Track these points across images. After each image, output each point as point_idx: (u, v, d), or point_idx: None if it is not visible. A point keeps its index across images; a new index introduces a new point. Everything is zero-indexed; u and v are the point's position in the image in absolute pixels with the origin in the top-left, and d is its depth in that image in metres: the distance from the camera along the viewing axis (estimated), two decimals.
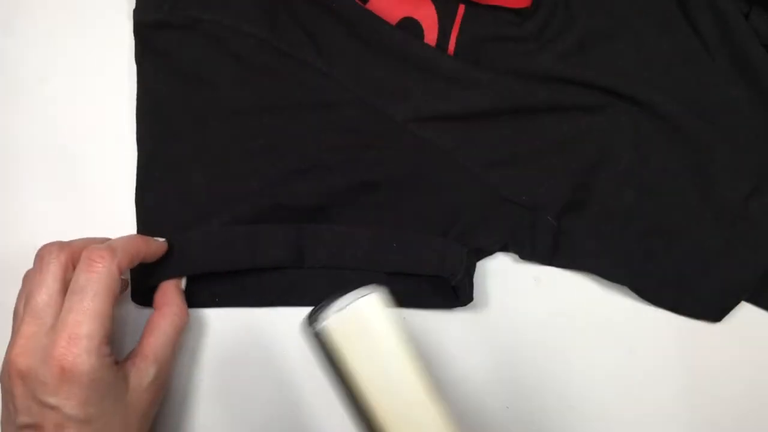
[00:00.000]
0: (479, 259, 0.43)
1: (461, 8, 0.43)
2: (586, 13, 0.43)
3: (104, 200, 0.43)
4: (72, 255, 0.35)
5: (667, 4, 0.44)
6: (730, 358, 0.43)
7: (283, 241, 0.40)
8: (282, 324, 0.42)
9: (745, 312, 0.43)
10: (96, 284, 0.34)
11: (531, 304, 0.43)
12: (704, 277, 0.42)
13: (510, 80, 0.42)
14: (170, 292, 0.39)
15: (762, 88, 0.42)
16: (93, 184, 0.44)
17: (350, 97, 0.42)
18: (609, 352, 0.43)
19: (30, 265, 0.43)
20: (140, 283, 0.40)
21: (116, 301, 0.35)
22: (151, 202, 0.42)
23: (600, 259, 0.42)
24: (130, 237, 0.38)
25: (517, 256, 0.43)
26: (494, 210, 0.42)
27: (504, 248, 0.43)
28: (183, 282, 0.40)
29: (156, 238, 0.39)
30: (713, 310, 0.42)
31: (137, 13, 0.42)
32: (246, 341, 0.42)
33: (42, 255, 0.36)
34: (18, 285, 0.42)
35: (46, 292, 0.34)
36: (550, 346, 0.43)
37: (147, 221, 0.42)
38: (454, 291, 0.41)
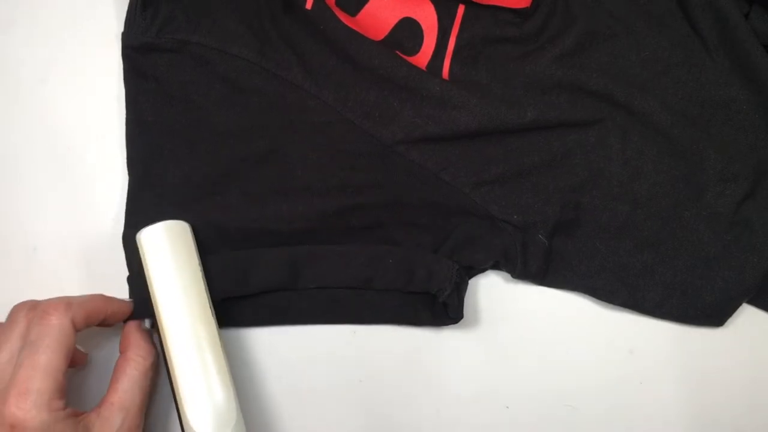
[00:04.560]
0: (471, 276, 0.43)
1: (461, 8, 0.43)
2: (586, 13, 0.43)
3: (104, 200, 0.43)
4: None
5: (667, 4, 0.44)
6: (730, 358, 0.43)
7: (277, 265, 0.40)
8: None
9: (745, 313, 0.43)
10: (47, 338, 0.33)
11: (529, 309, 0.43)
12: (706, 285, 0.42)
13: (497, 102, 0.42)
14: (132, 334, 0.38)
15: (761, 88, 0.42)
16: (92, 184, 0.44)
17: (338, 119, 0.42)
18: (609, 352, 0.43)
19: (29, 265, 0.43)
20: (142, 314, 0.40)
21: (69, 355, 0.34)
22: (140, 225, 0.41)
23: (594, 280, 0.42)
24: (91, 295, 0.37)
25: (508, 276, 0.43)
26: (485, 229, 0.42)
27: (496, 266, 0.43)
28: (146, 322, 0.39)
29: (121, 299, 0.39)
30: (716, 317, 0.42)
31: (125, 37, 0.42)
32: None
33: (12, 313, 0.36)
34: (16, 285, 0.43)
35: (8, 351, 0.34)
36: (550, 346, 0.43)
37: (134, 244, 0.41)
38: (444, 308, 0.41)
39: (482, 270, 0.43)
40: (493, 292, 0.43)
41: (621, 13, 0.43)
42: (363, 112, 0.42)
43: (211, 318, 0.38)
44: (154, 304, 0.38)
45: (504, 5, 0.43)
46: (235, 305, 0.41)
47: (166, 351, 0.37)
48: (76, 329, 0.35)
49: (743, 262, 0.42)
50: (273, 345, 0.42)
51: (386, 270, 0.41)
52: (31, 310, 0.35)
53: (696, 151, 0.42)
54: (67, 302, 0.35)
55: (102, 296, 0.38)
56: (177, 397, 0.36)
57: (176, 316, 0.37)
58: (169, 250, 0.38)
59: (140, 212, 0.41)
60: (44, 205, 0.43)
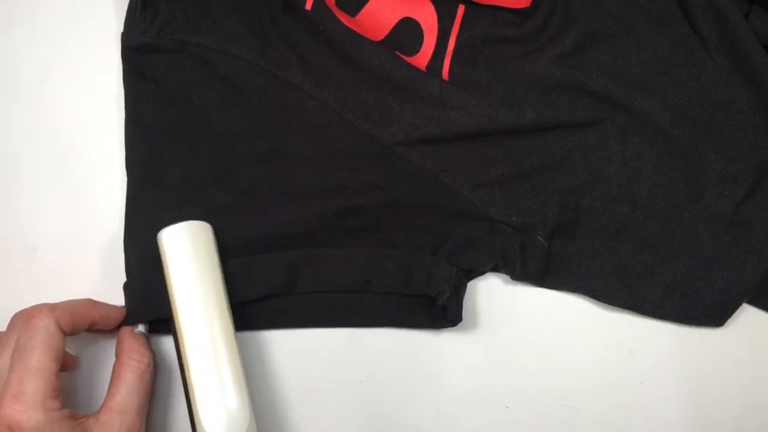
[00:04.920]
0: (470, 279, 0.43)
1: (461, 8, 0.43)
2: (586, 13, 0.43)
3: (104, 200, 0.43)
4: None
5: (667, 4, 0.44)
6: (730, 358, 0.43)
7: (276, 268, 0.40)
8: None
9: (745, 313, 0.43)
10: (33, 340, 0.34)
11: (528, 309, 0.43)
12: (706, 286, 0.42)
13: (497, 102, 0.42)
14: (126, 338, 0.39)
15: (761, 88, 0.42)
16: (92, 184, 0.44)
17: (338, 120, 0.42)
18: (609, 352, 0.43)
19: (29, 265, 0.43)
20: (138, 318, 0.40)
21: (59, 356, 0.35)
22: (139, 225, 0.41)
23: (593, 281, 0.42)
24: (79, 299, 0.38)
25: (508, 277, 0.43)
26: (484, 231, 0.42)
27: (495, 269, 0.43)
28: (140, 326, 0.40)
29: (111, 304, 0.39)
30: (717, 317, 0.42)
31: (125, 37, 0.42)
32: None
33: (12, 321, 0.36)
34: (16, 285, 0.43)
35: (6, 355, 0.35)
36: (550, 346, 0.43)
37: (135, 246, 0.41)
38: (443, 310, 0.41)
39: (481, 273, 0.43)
40: (493, 292, 0.43)
41: (621, 13, 0.43)
42: (362, 113, 0.42)
43: (229, 320, 0.38)
44: (171, 304, 0.37)
45: (504, 5, 0.43)
46: (234, 309, 0.41)
47: (181, 351, 0.37)
48: (63, 331, 0.35)
49: (743, 263, 0.42)
50: (273, 345, 0.42)
51: (385, 272, 0.41)
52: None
53: (695, 151, 0.42)
54: (51, 305, 0.36)
55: (89, 300, 0.38)
56: (190, 399, 0.36)
57: (194, 316, 0.37)
58: (190, 250, 0.38)
59: (140, 214, 0.41)
60: (44, 205, 0.43)
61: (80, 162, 0.44)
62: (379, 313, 0.42)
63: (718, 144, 0.42)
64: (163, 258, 0.38)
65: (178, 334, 0.37)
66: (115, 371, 0.37)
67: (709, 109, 0.43)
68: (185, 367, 0.37)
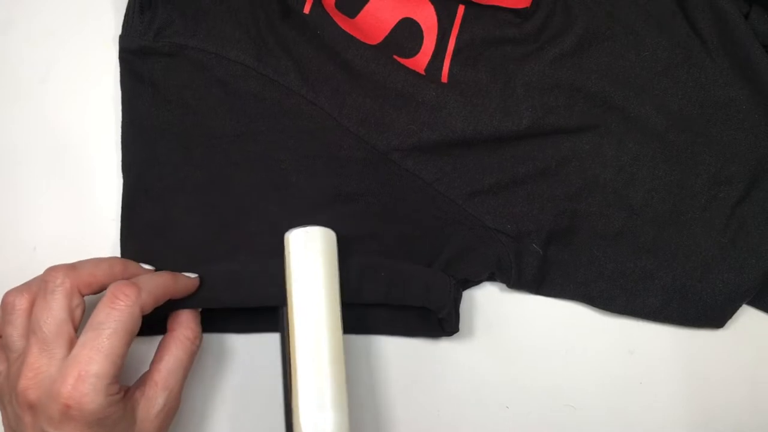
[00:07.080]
0: (465, 288, 0.43)
1: (461, 9, 0.43)
2: (586, 13, 0.43)
3: (104, 200, 0.43)
4: (78, 281, 0.34)
5: (667, 4, 0.44)
6: (729, 358, 0.43)
7: (267, 279, 0.39)
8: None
9: (744, 313, 0.43)
10: (115, 323, 0.33)
11: (529, 309, 0.43)
12: (706, 288, 0.42)
13: (493, 108, 0.42)
14: (184, 314, 0.38)
15: (761, 88, 0.42)
16: (92, 184, 0.44)
17: (334, 126, 0.42)
18: (609, 352, 0.43)
19: (29, 265, 0.43)
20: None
21: (132, 340, 0.34)
22: (136, 229, 0.41)
23: (591, 287, 0.42)
24: (159, 275, 0.36)
25: (504, 285, 0.43)
26: (479, 239, 0.42)
27: (491, 277, 0.43)
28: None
29: (187, 274, 0.38)
30: (717, 319, 0.42)
31: (122, 40, 0.42)
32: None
33: (47, 280, 0.34)
34: (16, 285, 0.42)
35: (54, 322, 0.33)
36: (550, 346, 0.43)
37: (130, 247, 0.41)
38: (439, 321, 0.41)
39: (477, 282, 0.43)
40: (493, 292, 0.43)
41: (621, 13, 0.43)
42: (358, 118, 0.42)
43: (340, 328, 0.38)
44: (288, 305, 0.37)
45: (504, 5, 0.43)
46: (230, 313, 0.41)
47: (291, 348, 0.37)
48: (143, 314, 0.34)
49: (742, 264, 0.42)
50: (271, 345, 0.42)
51: (378, 282, 0.40)
52: (66, 277, 0.34)
53: (691, 154, 0.42)
54: (138, 287, 0.34)
55: (169, 275, 0.37)
56: (293, 399, 0.36)
57: (309, 319, 0.37)
58: (314, 255, 0.38)
59: (135, 216, 0.41)
60: (44, 205, 0.43)
61: (80, 162, 0.44)
62: (372, 321, 0.42)
63: (716, 145, 0.42)
64: (287, 258, 0.38)
65: (290, 335, 0.37)
66: (166, 344, 0.36)
67: (708, 109, 0.43)
68: (292, 367, 0.36)
